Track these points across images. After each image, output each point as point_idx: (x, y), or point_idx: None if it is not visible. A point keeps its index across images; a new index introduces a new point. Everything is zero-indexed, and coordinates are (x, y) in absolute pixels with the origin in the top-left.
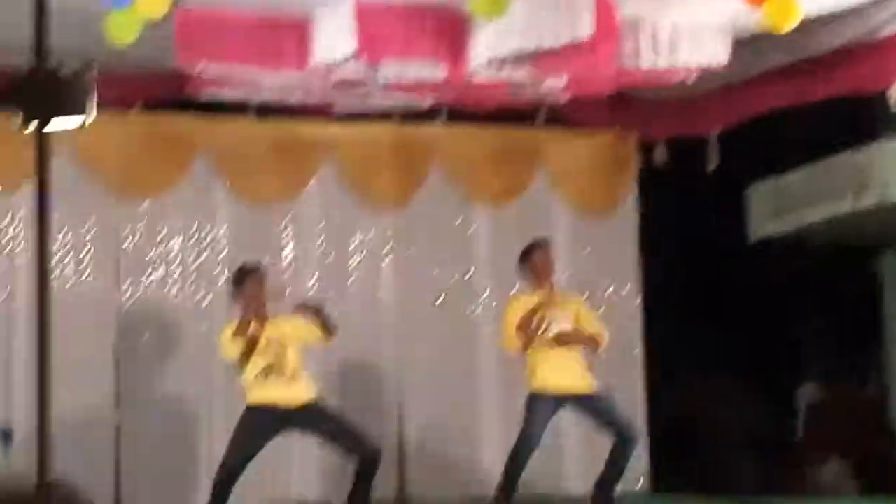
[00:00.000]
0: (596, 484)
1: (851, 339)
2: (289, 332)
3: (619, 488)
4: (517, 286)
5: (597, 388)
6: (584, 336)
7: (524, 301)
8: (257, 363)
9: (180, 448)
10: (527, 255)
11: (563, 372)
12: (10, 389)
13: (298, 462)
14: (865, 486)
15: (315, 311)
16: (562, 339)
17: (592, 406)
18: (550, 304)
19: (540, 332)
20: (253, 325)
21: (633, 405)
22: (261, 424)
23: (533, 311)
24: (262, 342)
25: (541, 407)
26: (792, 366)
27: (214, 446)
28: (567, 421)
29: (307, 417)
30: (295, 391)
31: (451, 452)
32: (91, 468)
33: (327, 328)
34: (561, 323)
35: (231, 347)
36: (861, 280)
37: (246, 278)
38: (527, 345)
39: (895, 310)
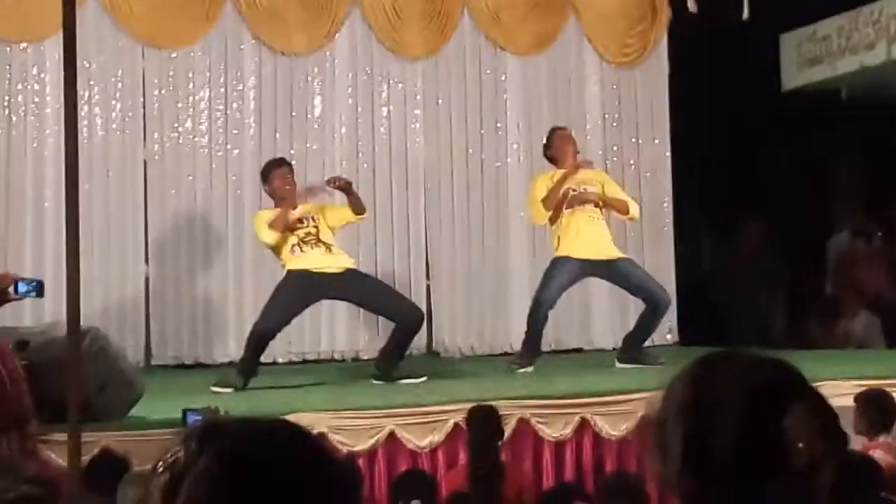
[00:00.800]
0: (624, 338)
1: (882, 191)
2: (322, 214)
3: (649, 341)
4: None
5: (622, 256)
6: (611, 200)
7: (549, 176)
8: (292, 239)
9: (207, 299)
10: (548, 141)
11: (588, 240)
12: (42, 242)
13: (326, 317)
14: (892, 338)
15: (345, 186)
16: (586, 198)
17: (620, 271)
18: (575, 179)
19: (565, 203)
20: (287, 215)
21: (662, 258)
22: (300, 287)
23: (559, 183)
24: (296, 221)
25: (560, 268)
26: (822, 218)
27: (243, 298)
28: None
29: (346, 283)
30: (332, 259)
31: (479, 310)
32: (121, 319)
33: (357, 206)
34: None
35: (267, 233)
36: (893, 131)
37: (271, 172)
38: (554, 216)
39: None
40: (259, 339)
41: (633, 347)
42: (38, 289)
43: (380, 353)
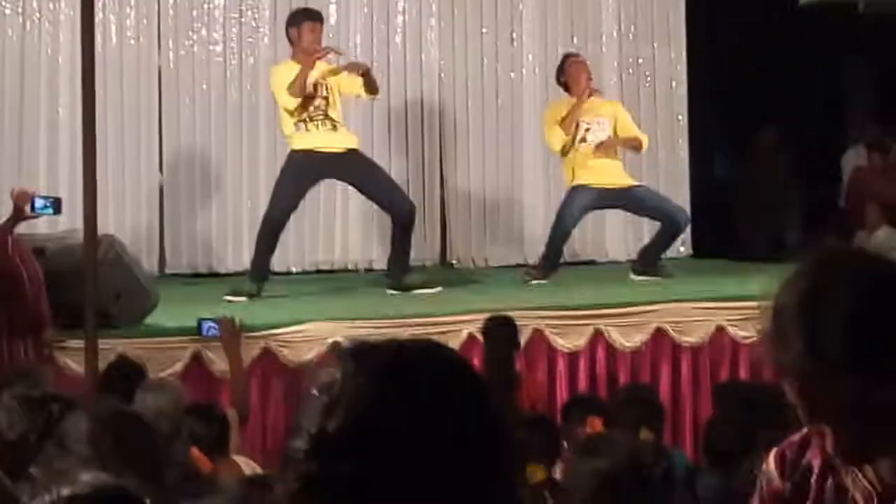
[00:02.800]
0: (640, 251)
1: None
2: (335, 79)
3: (663, 253)
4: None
5: (637, 183)
6: (623, 140)
7: (560, 104)
8: (300, 112)
9: (222, 208)
10: (561, 65)
11: (601, 170)
12: (57, 150)
13: (340, 228)
14: None
15: (363, 71)
16: (603, 147)
17: (636, 198)
18: (588, 110)
19: (578, 136)
20: (306, 77)
21: (676, 170)
22: (302, 167)
23: (572, 112)
24: (309, 87)
25: (580, 193)
26: (837, 131)
27: (257, 207)
28: None
29: (347, 163)
30: (336, 138)
31: (493, 219)
32: (136, 227)
33: (371, 86)
34: (599, 129)
35: (286, 98)
36: None
37: (302, 23)
38: (566, 149)
39: None
40: (271, 228)
41: (649, 260)
42: (56, 205)
43: (388, 261)
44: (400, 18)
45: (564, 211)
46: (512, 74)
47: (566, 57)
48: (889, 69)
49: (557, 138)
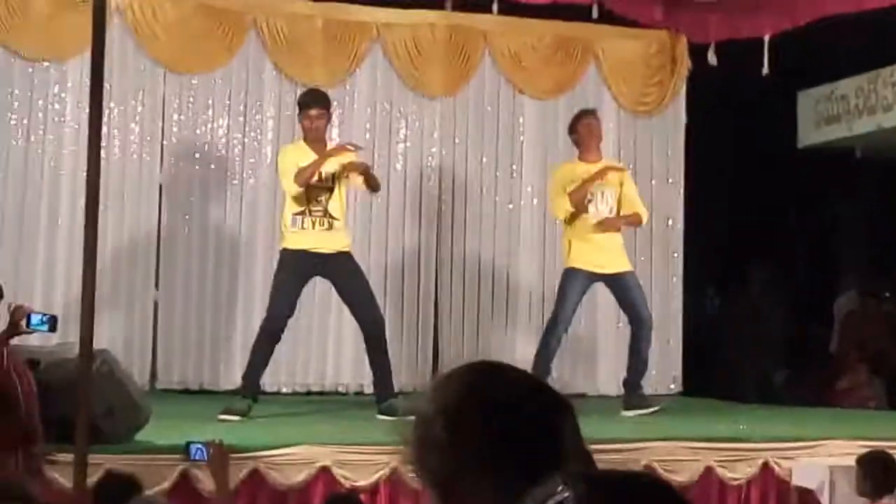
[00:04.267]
0: (624, 382)
1: (892, 252)
2: (344, 175)
3: (653, 390)
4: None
5: (629, 269)
6: (625, 220)
7: (569, 169)
8: (301, 202)
9: (216, 327)
10: (574, 122)
11: (601, 249)
12: (54, 262)
13: (332, 350)
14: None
15: (362, 170)
16: (604, 225)
17: (623, 285)
18: (594, 179)
19: (584, 207)
20: (317, 168)
21: (669, 306)
22: (294, 268)
23: (586, 183)
24: (317, 178)
25: (572, 285)
26: (831, 276)
27: (251, 327)
28: (602, 324)
29: (335, 264)
30: (330, 239)
31: (486, 351)
32: (128, 342)
33: (372, 184)
34: (602, 201)
35: (292, 186)
36: None
37: (312, 107)
38: (572, 217)
39: None
40: (269, 333)
41: (635, 393)
42: (51, 323)
43: (374, 387)
44: (401, 146)
45: (559, 315)
46: (510, 206)
47: (580, 113)
48: (884, 215)
49: (563, 208)
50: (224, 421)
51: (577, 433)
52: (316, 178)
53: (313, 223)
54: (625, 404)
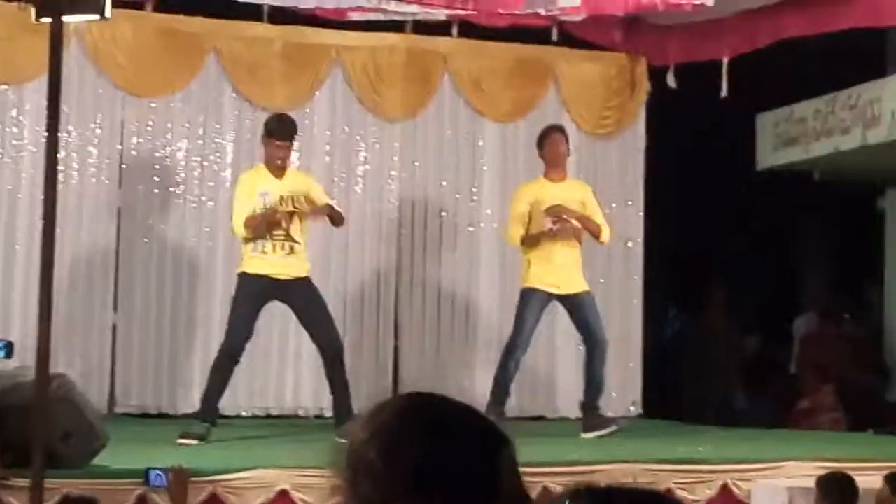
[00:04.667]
0: (581, 405)
1: (851, 274)
2: (306, 198)
3: (612, 412)
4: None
5: (585, 289)
6: (582, 218)
7: (531, 188)
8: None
9: (175, 351)
10: (541, 138)
11: (560, 271)
12: (11, 285)
13: (292, 373)
14: (854, 420)
15: (327, 213)
16: (560, 231)
17: (579, 305)
18: (555, 196)
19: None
20: (273, 221)
21: (629, 328)
22: (253, 292)
23: (540, 236)
24: (276, 199)
25: (531, 306)
26: (790, 297)
27: (210, 351)
28: (561, 346)
29: (295, 289)
30: (290, 265)
31: (445, 373)
32: (86, 366)
33: (336, 220)
34: (564, 220)
35: (241, 229)
36: (865, 216)
37: (275, 131)
38: (527, 242)
39: None
40: (229, 356)
41: (592, 414)
42: (7, 349)
43: (333, 409)
44: (361, 169)
45: (516, 339)
46: (470, 228)
47: (547, 129)
48: (842, 238)
49: (514, 236)
50: (183, 444)
51: (514, 471)
52: (278, 200)
53: (274, 247)
54: (584, 427)
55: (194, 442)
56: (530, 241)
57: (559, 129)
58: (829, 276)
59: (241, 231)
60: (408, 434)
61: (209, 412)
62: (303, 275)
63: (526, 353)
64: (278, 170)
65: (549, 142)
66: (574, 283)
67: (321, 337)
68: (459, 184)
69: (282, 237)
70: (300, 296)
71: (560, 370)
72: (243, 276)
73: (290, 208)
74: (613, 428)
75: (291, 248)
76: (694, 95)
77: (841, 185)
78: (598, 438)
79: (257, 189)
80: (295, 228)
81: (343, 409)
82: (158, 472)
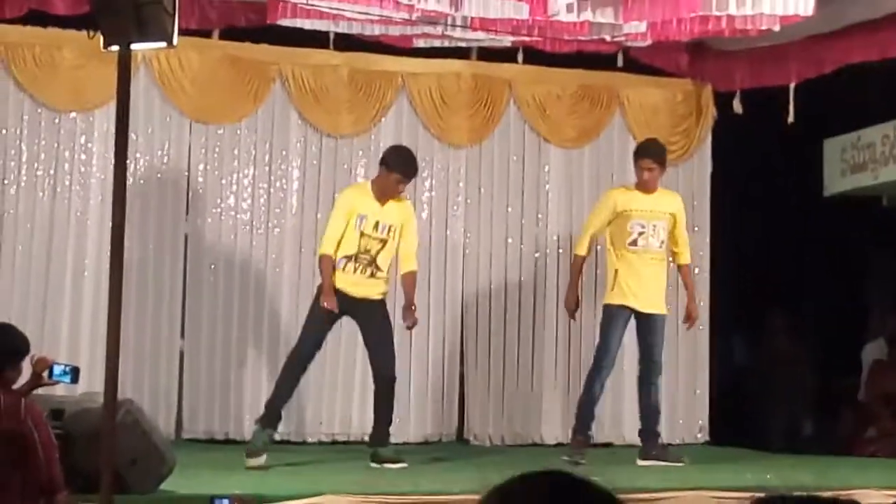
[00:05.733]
0: (639, 431)
1: None
2: (399, 222)
3: (679, 439)
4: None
5: (663, 314)
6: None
7: (616, 195)
8: (350, 248)
9: (242, 377)
10: (653, 158)
11: (645, 288)
12: (80, 312)
13: (358, 399)
14: None
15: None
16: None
17: (652, 327)
18: (645, 210)
19: (629, 238)
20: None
21: (696, 354)
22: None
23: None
24: (372, 224)
25: (615, 325)
26: (859, 323)
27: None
28: (629, 369)
29: (365, 309)
30: (368, 286)
31: (511, 400)
32: (154, 391)
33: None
34: (653, 235)
35: (327, 241)
36: None
37: (402, 169)
38: (619, 245)
39: None
40: (299, 360)
41: (650, 441)
42: (73, 374)
43: (371, 436)
44: (427, 195)
45: (604, 359)
46: (536, 254)
47: (664, 154)
48: None
49: (582, 246)
50: (252, 468)
51: None
52: (369, 227)
53: (356, 270)
54: (642, 453)
55: (261, 461)
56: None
57: (649, 159)
58: None
59: (325, 249)
60: None
61: (272, 418)
62: (378, 297)
63: (610, 375)
64: (386, 197)
65: (645, 164)
66: (656, 303)
67: (377, 355)
68: (525, 209)
69: (367, 260)
70: (369, 315)
71: (627, 394)
72: (321, 288)
73: (382, 237)
74: (677, 464)
75: (373, 274)
76: (760, 121)
77: None
78: (655, 465)
79: (357, 211)
80: (383, 257)
81: (380, 435)
82: (223, 500)
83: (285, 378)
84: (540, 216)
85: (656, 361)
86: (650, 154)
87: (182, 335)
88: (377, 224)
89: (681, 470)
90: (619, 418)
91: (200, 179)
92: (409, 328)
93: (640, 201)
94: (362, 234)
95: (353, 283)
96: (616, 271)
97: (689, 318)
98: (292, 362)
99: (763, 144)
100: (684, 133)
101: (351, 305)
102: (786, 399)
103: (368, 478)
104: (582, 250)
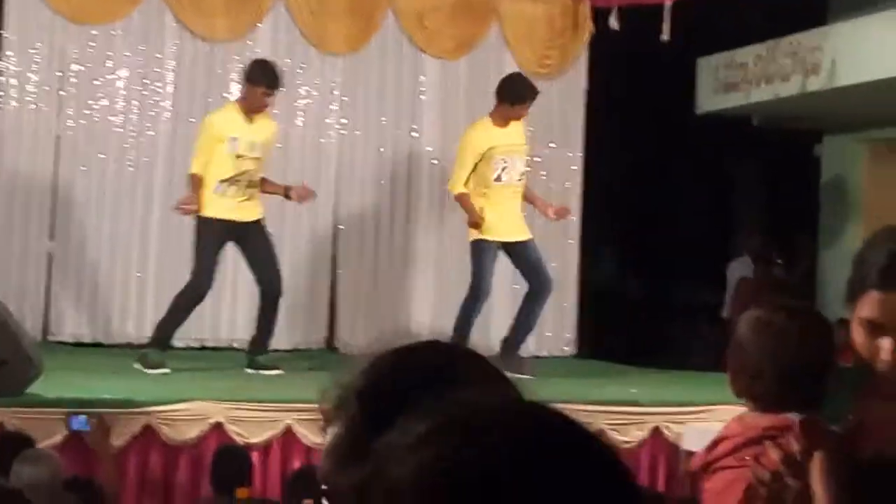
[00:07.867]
0: (504, 340)
1: (786, 220)
2: (269, 139)
3: (546, 351)
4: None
5: (530, 238)
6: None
7: (481, 133)
8: (226, 170)
9: (111, 281)
10: (519, 97)
11: (508, 220)
12: None
13: (227, 305)
14: None
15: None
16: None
17: (524, 253)
18: (506, 144)
19: (493, 174)
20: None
21: (565, 269)
22: (215, 234)
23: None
24: (245, 145)
25: (486, 254)
26: (725, 241)
27: (147, 279)
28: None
29: (247, 232)
30: (248, 210)
31: (382, 307)
32: (21, 294)
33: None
34: (513, 168)
35: (199, 160)
36: (802, 163)
37: (267, 81)
38: (481, 183)
39: (832, 194)
40: (198, 294)
41: (511, 353)
42: None
43: (251, 343)
44: (302, 102)
45: (482, 285)
46: (409, 164)
47: (533, 92)
48: (778, 182)
49: (458, 182)
50: (148, 374)
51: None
52: (243, 148)
53: (235, 192)
54: (503, 365)
55: (164, 371)
56: (468, 209)
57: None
58: (764, 221)
59: (197, 166)
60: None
61: (165, 342)
62: (258, 217)
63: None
64: (255, 112)
65: (524, 107)
66: (520, 230)
67: (263, 274)
68: (400, 119)
69: (245, 181)
70: (253, 237)
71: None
72: (201, 221)
73: (256, 155)
74: (526, 374)
75: (251, 196)
76: (636, 38)
77: (778, 132)
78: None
79: (228, 134)
80: (257, 174)
81: (260, 343)
82: (80, 417)
83: (181, 308)
84: (414, 126)
85: (548, 279)
86: (532, 98)
87: (51, 238)
88: (252, 144)
89: (544, 382)
90: (486, 333)
91: (74, 80)
92: (302, 202)
93: (500, 137)
94: (238, 157)
95: (235, 208)
96: (481, 209)
97: (559, 210)
98: (191, 295)
99: (638, 62)
100: (560, 48)
101: (234, 231)
102: (653, 314)
103: (238, 384)
104: (466, 186)
